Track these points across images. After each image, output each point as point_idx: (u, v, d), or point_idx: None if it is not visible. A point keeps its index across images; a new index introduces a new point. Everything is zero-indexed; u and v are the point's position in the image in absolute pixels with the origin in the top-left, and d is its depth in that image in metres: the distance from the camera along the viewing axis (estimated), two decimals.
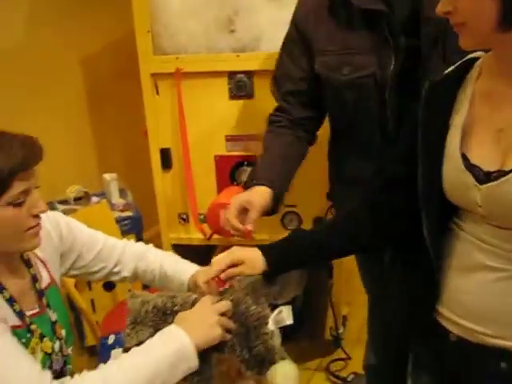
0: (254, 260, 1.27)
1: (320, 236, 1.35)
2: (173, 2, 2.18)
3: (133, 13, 2.16)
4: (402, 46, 1.49)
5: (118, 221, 2.57)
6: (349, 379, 2.47)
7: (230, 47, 2.15)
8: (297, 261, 1.33)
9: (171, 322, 1.18)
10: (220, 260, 1.27)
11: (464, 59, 1.13)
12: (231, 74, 2.16)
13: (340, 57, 1.56)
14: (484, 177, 1.04)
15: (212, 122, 2.24)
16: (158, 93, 2.25)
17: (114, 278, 1.50)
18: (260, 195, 1.58)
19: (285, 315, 1.23)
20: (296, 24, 1.66)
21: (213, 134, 2.25)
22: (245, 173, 2.25)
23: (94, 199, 2.66)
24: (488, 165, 1.04)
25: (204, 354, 1.15)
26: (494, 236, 1.07)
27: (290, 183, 1.72)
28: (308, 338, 2.67)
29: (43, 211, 1.18)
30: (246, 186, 1.62)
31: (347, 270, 2.76)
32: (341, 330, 2.63)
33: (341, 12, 1.55)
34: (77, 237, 1.41)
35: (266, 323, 1.21)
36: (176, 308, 1.21)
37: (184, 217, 2.40)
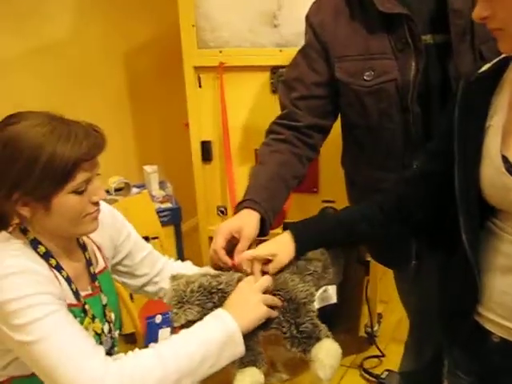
0: (286, 249, 1.27)
1: (346, 218, 1.35)
2: None
3: (178, 7, 2.19)
4: (423, 47, 1.44)
5: (158, 212, 2.61)
6: (382, 376, 2.46)
7: (272, 42, 2.17)
8: (324, 241, 1.31)
9: (217, 301, 1.21)
10: (254, 265, 1.26)
11: (499, 58, 1.11)
12: (273, 69, 2.17)
13: (361, 62, 1.50)
14: None
15: (253, 115, 2.26)
16: (200, 86, 2.28)
17: (152, 289, 1.50)
18: (249, 223, 1.38)
19: (330, 293, 1.27)
20: (313, 28, 1.58)
21: (254, 127, 2.26)
22: None
23: (135, 190, 2.70)
24: None
25: (250, 332, 1.18)
26: None
27: (281, 207, 1.54)
28: (342, 334, 2.65)
29: (102, 198, 1.21)
30: (237, 206, 1.45)
31: (383, 267, 2.76)
32: (375, 328, 2.63)
33: (359, 16, 1.50)
34: (130, 234, 1.45)
35: (313, 301, 1.24)
36: (221, 286, 1.23)
37: (222, 209, 2.42)
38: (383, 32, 1.47)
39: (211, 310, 1.20)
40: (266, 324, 1.21)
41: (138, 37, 3.23)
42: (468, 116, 1.12)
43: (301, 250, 1.28)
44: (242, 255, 1.28)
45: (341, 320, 2.38)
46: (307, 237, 1.30)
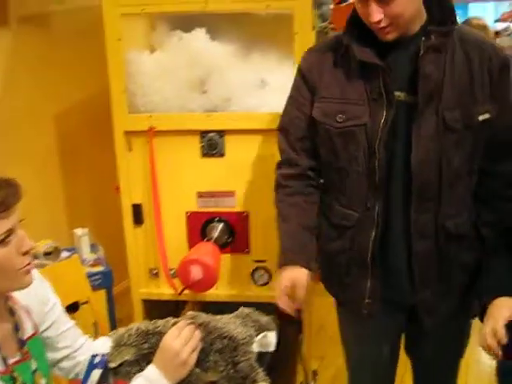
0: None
1: None
2: (147, 63, 2.26)
3: (108, 72, 2.21)
4: (394, 101, 1.56)
5: (89, 276, 2.56)
6: None
7: (201, 107, 2.22)
8: None
9: (154, 342, 1.27)
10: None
11: None
12: (203, 133, 2.22)
13: (335, 105, 1.63)
14: None
15: (184, 179, 2.28)
16: (130, 149, 2.29)
17: (68, 364, 1.47)
18: (303, 274, 1.63)
19: (270, 340, 1.32)
20: (302, 74, 1.72)
21: (185, 190, 2.29)
22: (215, 229, 2.29)
23: (65, 254, 2.66)
24: None
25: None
26: None
27: (314, 250, 1.73)
28: None
29: (31, 248, 1.21)
30: (280, 263, 1.69)
31: (317, 324, 2.79)
32: None
33: (342, 63, 1.65)
34: (56, 304, 1.44)
35: (252, 342, 1.30)
36: (158, 329, 1.29)
37: (155, 272, 2.41)
38: (361, 80, 1.60)
39: (147, 350, 1.27)
40: (201, 363, 1.28)
41: (68, 100, 3.23)
42: None
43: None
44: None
45: (275, 380, 2.39)
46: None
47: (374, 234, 1.64)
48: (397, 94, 1.57)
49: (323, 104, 1.66)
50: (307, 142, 1.73)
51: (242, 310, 1.38)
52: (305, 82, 1.71)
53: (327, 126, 1.65)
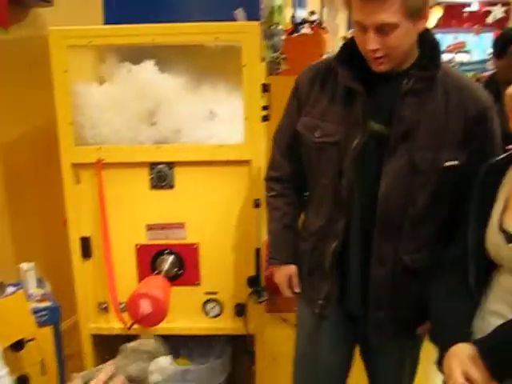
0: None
1: None
2: (96, 95, 2.24)
3: (55, 104, 2.18)
4: (368, 129, 1.64)
5: (35, 311, 2.49)
6: None
7: (150, 139, 2.21)
8: None
9: None
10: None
11: None
12: (152, 165, 2.20)
13: (316, 121, 1.74)
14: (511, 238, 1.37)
15: (133, 211, 2.26)
16: (78, 182, 2.26)
17: None
18: (290, 268, 1.91)
19: (163, 365, 1.32)
20: (295, 87, 1.83)
21: (134, 223, 2.26)
22: (165, 261, 2.27)
23: (11, 289, 2.57)
24: None
25: None
26: None
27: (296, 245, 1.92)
28: None
29: None
30: (270, 261, 1.98)
31: (270, 355, 2.77)
32: None
33: (331, 84, 1.73)
34: None
35: (147, 376, 1.30)
36: None
37: (104, 306, 2.36)
38: (343, 103, 1.69)
39: None
40: None
41: (14, 132, 3.16)
42: (486, 192, 1.48)
43: None
44: None
45: None
46: None
47: (334, 245, 1.73)
48: (373, 123, 1.64)
49: (307, 118, 1.77)
50: (293, 149, 1.84)
51: (125, 346, 1.35)
52: (296, 95, 1.82)
53: (306, 139, 1.76)
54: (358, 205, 1.70)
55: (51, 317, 2.58)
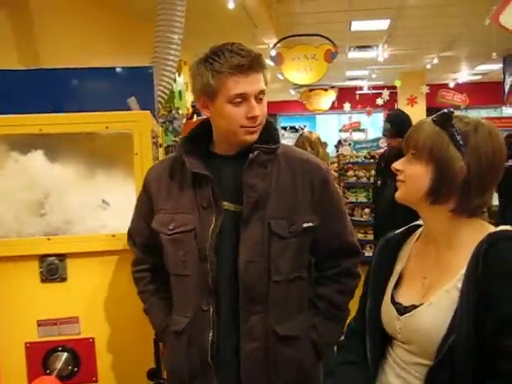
0: None
1: None
2: None
3: None
4: (222, 209, 1.71)
5: None
6: None
7: (40, 231, 2.13)
8: None
9: None
10: None
11: (411, 225, 1.57)
12: (42, 257, 2.11)
13: (169, 215, 1.77)
14: (403, 310, 1.43)
15: (22, 306, 2.13)
16: None
17: None
18: None
19: None
20: (144, 187, 1.88)
21: (23, 319, 2.12)
22: (59, 359, 2.13)
23: None
24: (409, 302, 1.43)
25: None
26: (406, 360, 1.43)
27: None
28: None
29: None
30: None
31: None
32: None
33: (178, 176, 1.79)
34: None
35: None
36: None
37: None
38: (193, 189, 1.75)
39: None
40: None
41: None
42: (381, 264, 1.56)
43: None
44: None
45: None
46: None
47: (211, 334, 1.70)
48: (225, 203, 1.72)
49: (160, 215, 1.81)
50: (152, 245, 1.86)
51: None
52: (146, 194, 1.86)
53: (161, 235, 1.79)
54: (224, 284, 1.72)
55: None
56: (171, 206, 1.78)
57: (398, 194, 1.47)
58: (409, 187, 1.43)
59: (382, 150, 6.73)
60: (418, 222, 1.55)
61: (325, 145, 4.56)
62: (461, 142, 1.36)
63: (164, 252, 1.81)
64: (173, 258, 1.78)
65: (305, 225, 1.73)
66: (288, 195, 1.74)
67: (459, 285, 1.34)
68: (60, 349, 2.14)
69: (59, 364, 2.13)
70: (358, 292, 1.74)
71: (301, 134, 4.33)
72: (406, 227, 1.58)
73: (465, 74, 13.41)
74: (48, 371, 2.12)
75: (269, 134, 1.76)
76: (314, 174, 1.79)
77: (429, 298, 1.39)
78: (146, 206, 1.87)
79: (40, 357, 2.14)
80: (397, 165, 1.47)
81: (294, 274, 1.75)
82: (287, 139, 15.69)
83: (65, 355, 2.14)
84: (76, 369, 2.16)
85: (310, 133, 4.24)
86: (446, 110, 1.42)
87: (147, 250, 1.91)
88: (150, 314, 1.95)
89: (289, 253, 1.73)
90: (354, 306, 1.77)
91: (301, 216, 1.74)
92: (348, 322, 1.75)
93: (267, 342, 1.71)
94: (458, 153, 1.36)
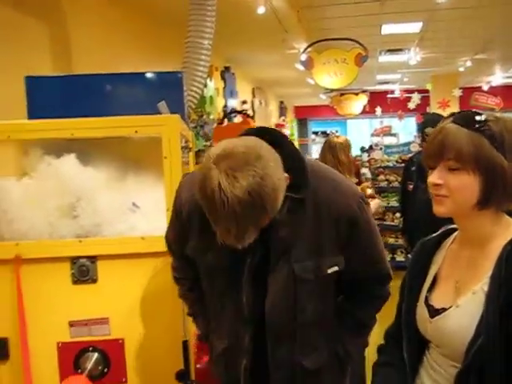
0: None
1: None
2: (13, 190, 2.20)
3: None
4: (257, 250, 1.66)
5: None
6: None
7: (72, 233, 2.17)
8: None
9: None
10: None
11: (447, 227, 1.53)
12: (74, 259, 2.15)
13: (204, 246, 1.72)
14: (434, 312, 1.42)
15: (54, 307, 2.17)
16: None
17: None
18: None
19: None
20: (176, 209, 1.84)
21: (55, 320, 2.17)
22: (89, 359, 2.17)
23: None
24: (440, 305, 1.41)
25: None
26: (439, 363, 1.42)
27: None
28: None
29: None
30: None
31: None
32: None
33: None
34: None
35: None
36: None
37: None
38: None
39: None
40: None
41: None
42: (417, 266, 1.54)
43: None
44: None
45: None
46: None
47: (245, 362, 1.73)
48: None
49: (193, 243, 1.77)
50: (189, 259, 1.83)
51: None
52: (179, 222, 1.82)
53: (199, 260, 1.79)
54: (257, 315, 1.72)
55: None
56: (206, 238, 1.69)
57: (441, 210, 1.37)
58: (456, 201, 1.35)
59: (412, 155, 6.66)
60: (453, 226, 1.51)
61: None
62: (499, 142, 1.32)
63: (202, 276, 1.83)
64: (211, 285, 1.81)
65: (329, 271, 1.71)
66: (313, 238, 1.69)
67: (485, 287, 1.32)
68: (91, 349, 2.18)
69: (90, 364, 2.17)
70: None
71: (325, 141, 4.17)
72: (442, 230, 1.56)
73: (499, 77, 13.19)
74: (79, 371, 2.16)
75: (299, 179, 1.66)
76: (341, 210, 1.70)
77: (458, 301, 1.38)
78: (181, 229, 1.83)
79: (71, 357, 2.18)
80: (435, 179, 1.35)
81: (321, 313, 1.75)
82: (318, 144, 15.67)
83: (95, 355, 2.18)
84: (106, 369, 2.19)
85: (336, 137, 4.09)
86: (469, 112, 1.37)
87: (184, 260, 1.89)
88: (195, 320, 1.99)
89: (314, 294, 1.72)
90: (388, 313, 1.77)
91: (326, 258, 1.70)
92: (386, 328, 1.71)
93: (295, 373, 1.74)
94: (499, 154, 1.31)
